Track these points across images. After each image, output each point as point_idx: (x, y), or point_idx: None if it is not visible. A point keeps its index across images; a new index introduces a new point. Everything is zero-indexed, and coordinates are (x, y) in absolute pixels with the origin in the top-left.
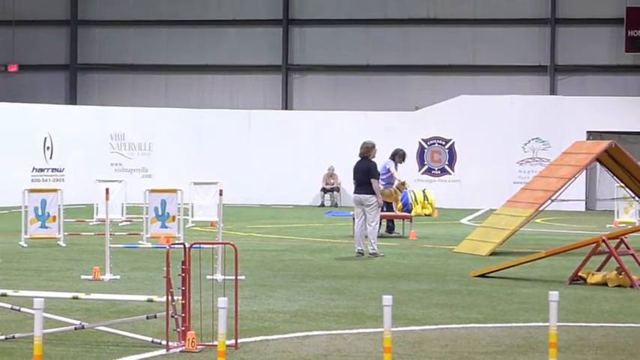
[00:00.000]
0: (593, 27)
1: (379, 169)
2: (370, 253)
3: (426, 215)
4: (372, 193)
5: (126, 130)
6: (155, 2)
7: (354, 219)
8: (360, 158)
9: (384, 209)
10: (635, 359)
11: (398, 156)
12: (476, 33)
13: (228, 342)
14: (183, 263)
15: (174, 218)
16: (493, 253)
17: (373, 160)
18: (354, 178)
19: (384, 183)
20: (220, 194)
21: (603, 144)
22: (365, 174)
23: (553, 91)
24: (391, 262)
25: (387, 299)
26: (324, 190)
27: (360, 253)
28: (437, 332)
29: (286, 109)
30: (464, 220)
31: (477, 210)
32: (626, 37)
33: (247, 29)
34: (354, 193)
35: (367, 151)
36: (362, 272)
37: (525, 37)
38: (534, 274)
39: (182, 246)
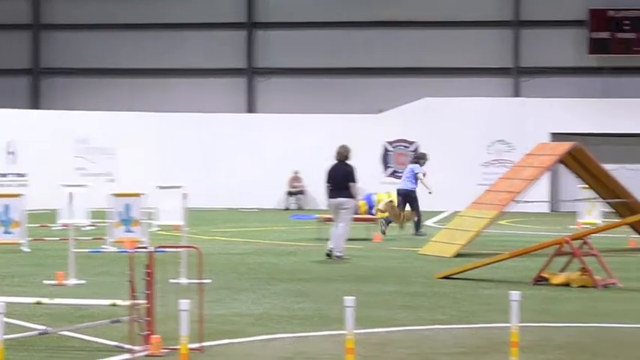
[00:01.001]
0: (557, 29)
1: (408, 173)
2: (336, 257)
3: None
4: (349, 196)
5: (90, 134)
6: (119, 6)
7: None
8: (340, 161)
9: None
10: (598, 358)
11: (423, 160)
12: (440, 35)
13: (193, 345)
14: (147, 267)
15: (138, 222)
16: (458, 255)
17: (349, 163)
18: (329, 182)
19: (413, 183)
20: (184, 198)
21: (566, 145)
22: (343, 178)
23: (517, 93)
24: (356, 264)
25: (349, 301)
26: (289, 194)
27: (335, 255)
28: (401, 334)
29: (251, 112)
30: (429, 222)
31: (442, 212)
32: (588, 39)
33: (211, 32)
34: (330, 197)
35: (345, 154)
36: (327, 275)
37: (489, 39)
38: (498, 275)
39: (146, 250)
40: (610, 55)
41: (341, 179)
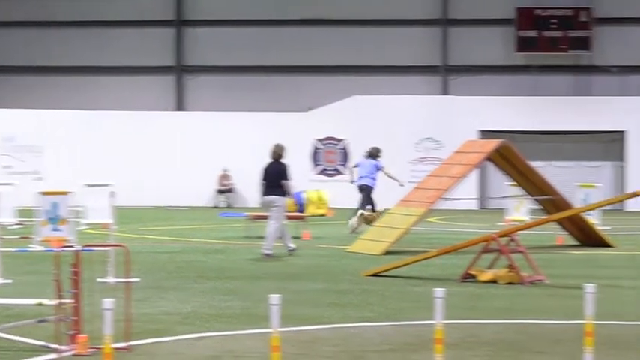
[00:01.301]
0: (485, 27)
1: (367, 168)
2: (264, 254)
3: (320, 215)
4: (282, 195)
5: (17, 132)
6: (48, 3)
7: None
8: (275, 160)
9: None
10: (525, 354)
11: (380, 154)
12: (369, 33)
13: (120, 344)
14: (74, 266)
15: (65, 221)
16: (386, 253)
17: (283, 162)
18: (264, 180)
19: (374, 179)
20: (112, 196)
21: (494, 143)
22: (277, 176)
23: (445, 91)
24: (285, 262)
25: (275, 298)
26: (219, 192)
27: (292, 250)
28: (329, 331)
29: (180, 110)
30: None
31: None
32: (516, 38)
33: (140, 30)
34: (264, 195)
35: (279, 153)
36: (255, 273)
37: (418, 37)
38: (427, 272)
39: (73, 249)
40: (537, 53)
41: (274, 177)
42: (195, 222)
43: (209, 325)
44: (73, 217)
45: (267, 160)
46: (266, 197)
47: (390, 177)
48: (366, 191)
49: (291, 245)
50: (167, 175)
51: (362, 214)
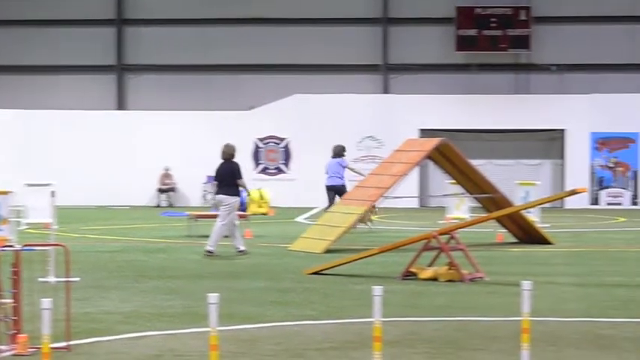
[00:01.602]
0: (425, 26)
1: (332, 167)
2: (207, 251)
3: (262, 214)
4: (234, 194)
5: None
6: None
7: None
8: (227, 159)
9: None
10: (464, 352)
11: (343, 152)
12: (310, 32)
13: (60, 344)
14: (14, 266)
15: (6, 221)
16: (328, 251)
17: (235, 161)
18: (219, 180)
19: (341, 178)
20: (53, 195)
21: (434, 141)
22: (230, 175)
23: (386, 90)
24: (227, 261)
25: (213, 297)
26: (160, 191)
27: (241, 252)
28: (271, 330)
29: (121, 109)
30: (299, 219)
31: (313, 208)
32: (456, 36)
33: (82, 29)
34: (217, 193)
35: (230, 153)
36: (197, 272)
37: (358, 36)
38: (368, 270)
39: (13, 248)
40: (477, 52)
41: (226, 177)
42: (137, 221)
43: (150, 325)
44: (13, 216)
45: (215, 159)
46: (217, 196)
47: (356, 172)
48: (333, 190)
49: (241, 247)
50: (109, 174)
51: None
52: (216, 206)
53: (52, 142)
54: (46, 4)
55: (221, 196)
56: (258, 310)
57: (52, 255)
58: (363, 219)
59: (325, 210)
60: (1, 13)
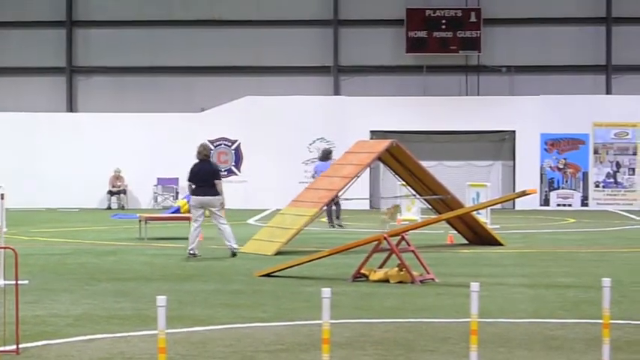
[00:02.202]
0: (375, 28)
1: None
2: (233, 249)
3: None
4: (217, 194)
5: None
6: None
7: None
8: (203, 160)
9: None
10: (414, 353)
11: (330, 155)
12: (260, 34)
13: (9, 347)
14: None
15: None
16: (278, 253)
17: (212, 161)
18: (196, 180)
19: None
20: (2, 198)
21: (385, 143)
22: (210, 175)
23: (337, 92)
24: (177, 263)
25: (161, 300)
26: (111, 193)
27: (192, 254)
28: (221, 332)
29: (71, 111)
30: (250, 221)
31: (264, 210)
32: (406, 38)
33: (31, 31)
34: (196, 195)
35: (206, 153)
36: (147, 274)
37: (309, 38)
38: (319, 272)
39: None
40: (427, 53)
41: (207, 177)
42: (87, 224)
43: (100, 328)
44: None
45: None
46: (201, 197)
47: None
48: None
49: (195, 250)
50: (59, 176)
51: (396, 206)
52: (198, 208)
53: (2, 144)
54: None
55: (208, 198)
56: (208, 312)
57: (0, 258)
58: (390, 217)
59: (337, 214)
60: None
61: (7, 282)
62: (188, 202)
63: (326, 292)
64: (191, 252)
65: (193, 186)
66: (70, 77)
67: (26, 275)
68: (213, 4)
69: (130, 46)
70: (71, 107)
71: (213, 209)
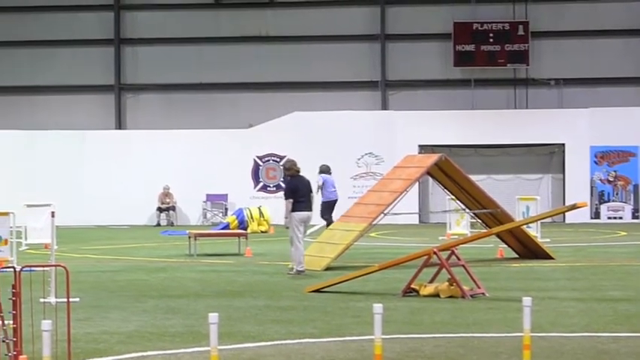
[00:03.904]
0: (423, 42)
1: (323, 185)
2: (298, 271)
3: (262, 232)
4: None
5: None
6: None
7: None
8: (295, 175)
9: None
10: None
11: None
12: (308, 49)
13: None
14: (14, 287)
15: (6, 241)
16: (328, 268)
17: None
18: (298, 196)
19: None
20: (53, 216)
21: (433, 157)
22: (309, 190)
23: (385, 106)
24: (227, 279)
25: (213, 317)
26: (160, 210)
27: (302, 271)
28: (272, 348)
29: (120, 128)
30: None
31: (313, 225)
32: (454, 52)
33: (80, 49)
34: (301, 210)
35: (298, 167)
36: (198, 291)
37: (357, 53)
38: (368, 287)
39: (13, 269)
40: (475, 67)
41: (306, 192)
42: (137, 240)
43: (151, 345)
44: (13, 237)
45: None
46: (307, 212)
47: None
48: (333, 205)
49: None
50: (108, 193)
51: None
52: (303, 223)
53: (52, 162)
54: (46, 25)
55: (310, 213)
56: (258, 328)
57: (52, 275)
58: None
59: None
60: (3, 35)
61: (58, 299)
62: (238, 217)
63: (378, 307)
64: (301, 269)
65: (291, 201)
66: (119, 95)
67: (77, 293)
68: (260, 21)
69: (177, 63)
70: (120, 124)
71: (309, 223)
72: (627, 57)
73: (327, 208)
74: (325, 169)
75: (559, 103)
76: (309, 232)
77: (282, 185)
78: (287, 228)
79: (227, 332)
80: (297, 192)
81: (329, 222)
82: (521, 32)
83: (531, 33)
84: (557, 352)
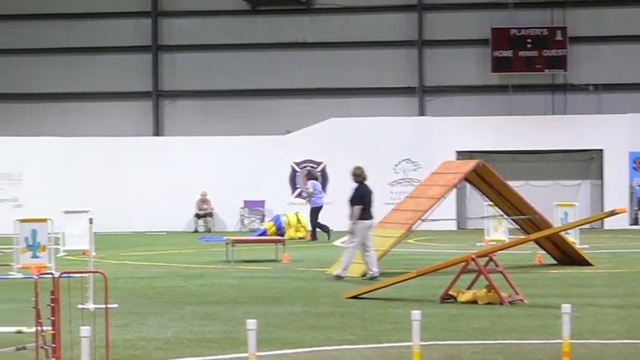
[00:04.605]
0: (460, 48)
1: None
2: (374, 276)
3: (299, 238)
4: None
5: None
6: (24, 30)
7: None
8: (362, 183)
9: None
10: None
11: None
12: (345, 56)
13: None
14: (52, 293)
15: (44, 248)
16: (365, 274)
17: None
18: (368, 203)
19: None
20: (91, 222)
21: (471, 163)
22: (372, 198)
23: (422, 112)
24: (264, 285)
25: (251, 324)
26: (198, 216)
27: (376, 276)
28: (309, 355)
29: (157, 135)
30: (337, 243)
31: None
32: (492, 58)
33: (117, 56)
34: (369, 218)
35: (366, 175)
36: (235, 297)
37: (394, 59)
38: (406, 294)
39: (51, 276)
40: (513, 72)
41: (371, 200)
42: (174, 247)
43: (189, 351)
44: (51, 244)
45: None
46: (373, 220)
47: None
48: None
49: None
50: (146, 200)
51: None
52: (367, 231)
53: (89, 168)
54: (84, 32)
55: (373, 221)
56: (296, 334)
57: (90, 282)
58: None
59: (328, 232)
60: (41, 42)
61: (97, 306)
62: (275, 223)
63: (416, 314)
64: (375, 273)
65: (361, 207)
66: (157, 101)
67: (115, 299)
68: (297, 27)
69: (214, 70)
70: (157, 131)
71: (370, 232)
72: None
73: (316, 213)
74: (315, 176)
75: (597, 108)
76: (345, 238)
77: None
78: (351, 233)
79: (265, 338)
80: (366, 199)
81: (324, 228)
82: (559, 37)
83: (569, 38)
84: None
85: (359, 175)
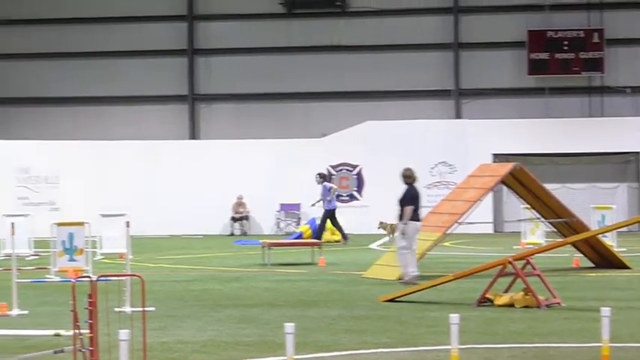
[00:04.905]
0: (496, 50)
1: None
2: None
3: (335, 242)
4: None
5: (31, 163)
6: (59, 34)
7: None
8: (412, 184)
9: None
10: None
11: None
12: (381, 58)
13: None
14: (90, 296)
15: (82, 251)
16: (401, 278)
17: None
18: (417, 204)
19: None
20: (127, 225)
21: (508, 166)
22: (420, 200)
23: (458, 115)
24: (301, 289)
25: (290, 327)
26: (234, 219)
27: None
28: (346, 358)
29: (193, 138)
30: (373, 246)
31: (386, 235)
32: (528, 60)
33: (153, 60)
34: (419, 220)
35: (416, 176)
36: (271, 300)
37: (429, 61)
38: (443, 297)
39: (88, 279)
40: (549, 75)
41: (420, 201)
42: (211, 250)
43: (225, 354)
44: (88, 247)
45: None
46: (421, 223)
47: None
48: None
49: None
50: (182, 203)
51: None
52: (416, 233)
53: (126, 172)
54: (119, 36)
55: (421, 223)
56: (332, 338)
57: (127, 285)
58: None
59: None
60: (76, 46)
61: (134, 309)
62: (311, 227)
63: (454, 318)
64: (414, 272)
65: (413, 208)
66: (192, 105)
67: (152, 302)
68: (332, 30)
69: (250, 73)
70: (193, 134)
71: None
72: None
73: (331, 216)
74: (323, 180)
75: (635, 111)
76: (381, 241)
77: (355, 195)
78: (403, 234)
79: (301, 342)
80: (417, 201)
81: (341, 230)
82: (596, 40)
83: (606, 40)
84: None
85: (409, 177)
